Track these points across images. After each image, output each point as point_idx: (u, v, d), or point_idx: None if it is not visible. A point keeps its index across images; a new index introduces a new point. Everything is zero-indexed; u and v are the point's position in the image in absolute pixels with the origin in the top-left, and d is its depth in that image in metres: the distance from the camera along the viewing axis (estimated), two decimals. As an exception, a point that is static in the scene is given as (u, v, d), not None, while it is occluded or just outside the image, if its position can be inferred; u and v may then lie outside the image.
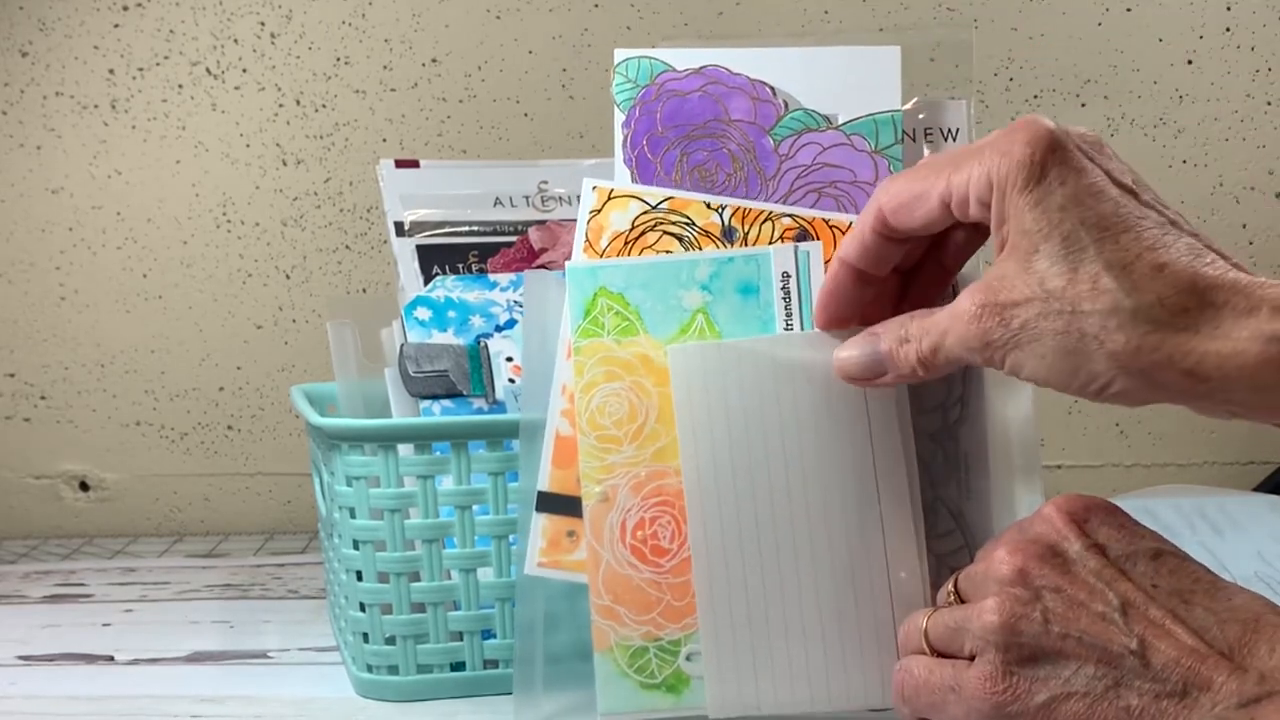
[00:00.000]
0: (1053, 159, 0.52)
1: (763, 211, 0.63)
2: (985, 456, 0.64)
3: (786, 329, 0.62)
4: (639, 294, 0.62)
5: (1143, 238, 0.51)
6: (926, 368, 0.56)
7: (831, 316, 0.60)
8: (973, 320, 0.53)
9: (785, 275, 0.62)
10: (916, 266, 0.61)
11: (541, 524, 0.63)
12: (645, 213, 0.63)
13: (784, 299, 0.62)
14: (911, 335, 0.56)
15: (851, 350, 0.59)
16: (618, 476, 0.62)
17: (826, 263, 0.62)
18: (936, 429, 0.64)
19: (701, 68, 0.65)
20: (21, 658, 0.80)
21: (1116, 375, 0.50)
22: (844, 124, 0.65)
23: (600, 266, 0.62)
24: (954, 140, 0.65)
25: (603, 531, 0.61)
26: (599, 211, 0.63)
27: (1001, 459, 0.64)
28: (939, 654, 0.55)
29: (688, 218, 0.63)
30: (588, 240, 0.63)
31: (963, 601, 0.56)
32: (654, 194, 0.63)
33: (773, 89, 0.64)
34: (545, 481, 0.63)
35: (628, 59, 0.65)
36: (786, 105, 0.64)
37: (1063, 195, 0.51)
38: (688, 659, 0.61)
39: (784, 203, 0.65)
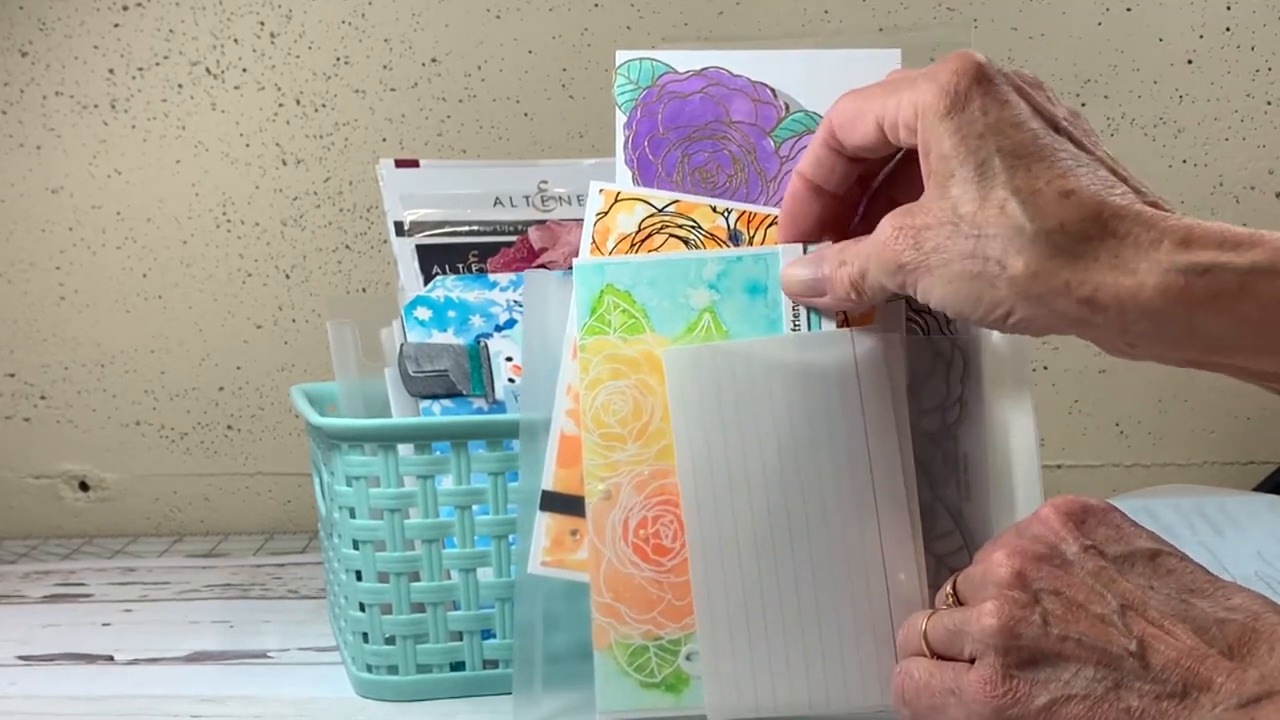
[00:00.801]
0: (977, 89, 0.53)
1: (769, 216, 0.63)
2: (984, 457, 0.64)
3: (794, 329, 0.62)
4: (646, 292, 0.62)
5: (1055, 166, 0.51)
6: (858, 292, 0.57)
7: (789, 232, 0.61)
8: (889, 242, 0.54)
9: None
10: (876, 196, 0.62)
11: (545, 523, 0.63)
12: (651, 216, 0.63)
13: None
14: (847, 259, 0.57)
15: (797, 268, 0.60)
16: (621, 474, 0.62)
17: None
18: (935, 429, 0.64)
19: (702, 69, 0.65)
20: (21, 658, 0.80)
21: (1016, 302, 0.51)
22: None
23: (607, 264, 0.62)
24: None
25: (605, 529, 0.61)
26: (605, 214, 0.63)
27: (1001, 459, 0.64)
28: (938, 656, 0.55)
29: (694, 221, 0.63)
30: (594, 242, 0.63)
31: (961, 603, 0.56)
32: (660, 197, 0.63)
33: (774, 91, 0.65)
34: (550, 480, 0.63)
35: (629, 60, 0.65)
36: (787, 107, 0.64)
37: (983, 124, 0.52)
38: (688, 658, 0.61)
39: (785, 204, 0.65)
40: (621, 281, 0.62)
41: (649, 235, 0.63)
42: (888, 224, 0.54)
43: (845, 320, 0.62)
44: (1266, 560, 0.87)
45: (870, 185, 0.62)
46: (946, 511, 0.64)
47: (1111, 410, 1.11)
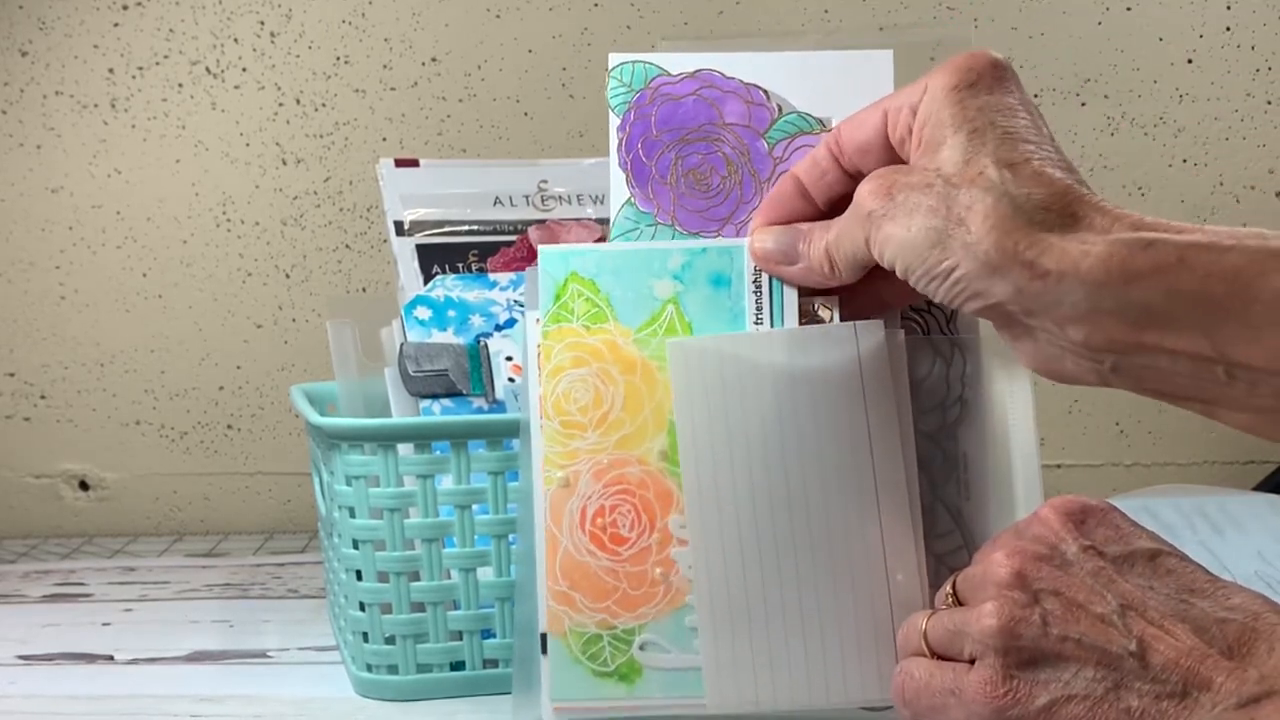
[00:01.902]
0: (989, 74, 0.55)
1: None
2: (984, 456, 0.64)
3: (756, 323, 0.62)
4: (610, 281, 0.62)
5: (1038, 154, 0.53)
6: (831, 261, 0.58)
7: (765, 218, 0.62)
8: (865, 197, 0.55)
9: (758, 269, 0.62)
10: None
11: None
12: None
13: (755, 292, 0.62)
14: (828, 226, 0.59)
15: (769, 234, 0.61)
16: (580, 462, 0.62)
17: None
18: (935, 428, 0.64)
19: (695, 71, 0.65)
20: (21, 657, 0.80)
21: (964, 257, 0.52)
22: None
23: (573, 252, 0.63)
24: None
25: (562, 517, 0.61)
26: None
27: (1001, 459, 0.64)
28: (938, 656, 0.55)
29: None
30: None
31: (961, 604, 0.56)
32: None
33: (767, 92, 0.65)
34: (545, 623, 0.62)
35: (621, 63, 0.65)
36: (780, 109, 0.65)
37: (985, 100, 0.54)
38: (641, 648, 0.61)
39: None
40: (586, 270, 0.62)
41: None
42: (865, 182, 0.56)
43: (808, 313, 0.62)
44: (1267, 560, 0.87)
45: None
46: (946, 511, 0.64)
47: (1111, 410, 1.11)
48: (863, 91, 0.64)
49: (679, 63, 0.65)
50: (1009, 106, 0.54)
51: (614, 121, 0.65)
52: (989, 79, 0.55)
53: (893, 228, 0.54)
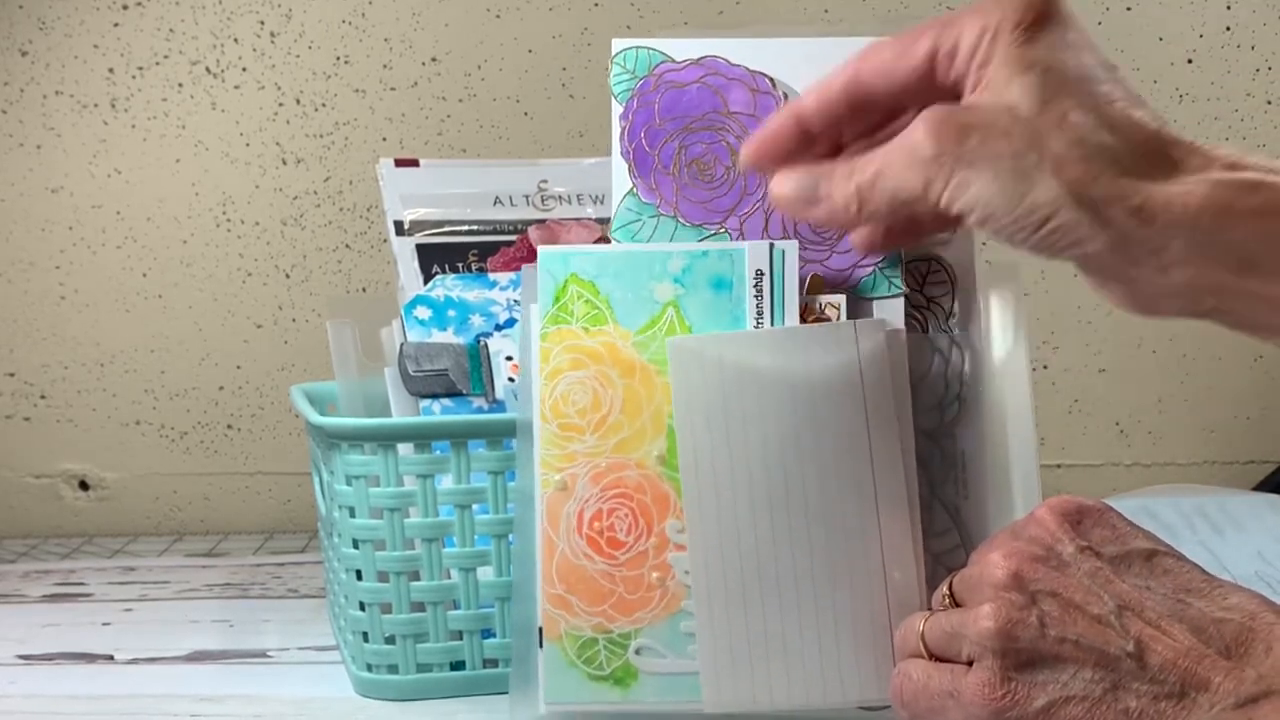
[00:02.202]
0: (1053, 14, 0.52)
1: None
2: (983, 455, 0.64)
3: (757, 324, 0.62)
4: (610, 283, 0.62)
5: (1115, 94, 0.52)
6: (862, 201, 0.54)
7: (757, 157, 0.59)
8: (923, 137, 0.52)
9: (759, 273, 0.62)
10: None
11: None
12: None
13: (756, 296, 0.62)
14: (857, 167, 0.55)
15: (791, 176, 0.57)
16: (578, 465, 0.61)
17: (801, 268, 0.62)
18: (934, 427, 0.64)
19: (700, 58, 0.64)
20: (21, 657, 0.80)
21: (1063, 205, 0.50)
22: None
23: (573, 253, 0.62)
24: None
25: (559, 520, 0.61)
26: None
27: (999, 458, 0.64)
28: (936, 658, 0.55)
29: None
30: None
31: (958, 604, 0.56)
32: None
33: (772, 80, 0.64)
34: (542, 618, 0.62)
35: (625, 49, 0.64)
36: (786, 97, 0.64)
37: (1054, 39, 0.52)
38: (637, 652, 0.61)
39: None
40: (586, 271, 0.62)
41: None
42: (922, 121, 0.52)
43: (808, 312, 0.61)
44: (1267, 560, 0.87)
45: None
46: (944, 509, 0.64)
47: (1111, 410, 1.11)
48: None
49: (683, 49, 0.64)
50: (1076, 44, 0.52)
51: (616, 109, 0.64)
52: (1054, 19, 0.52)
53: (971, 174, 0.51)
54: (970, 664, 0.53)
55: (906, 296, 0.63)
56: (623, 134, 0.64)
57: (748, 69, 0.64)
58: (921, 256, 0.65)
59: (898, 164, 0.53)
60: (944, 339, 0.64)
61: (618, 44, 0.64)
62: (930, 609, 0.58)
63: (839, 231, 0.63)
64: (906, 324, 0.63)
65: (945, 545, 0.64)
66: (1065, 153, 0.50)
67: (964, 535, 0.63)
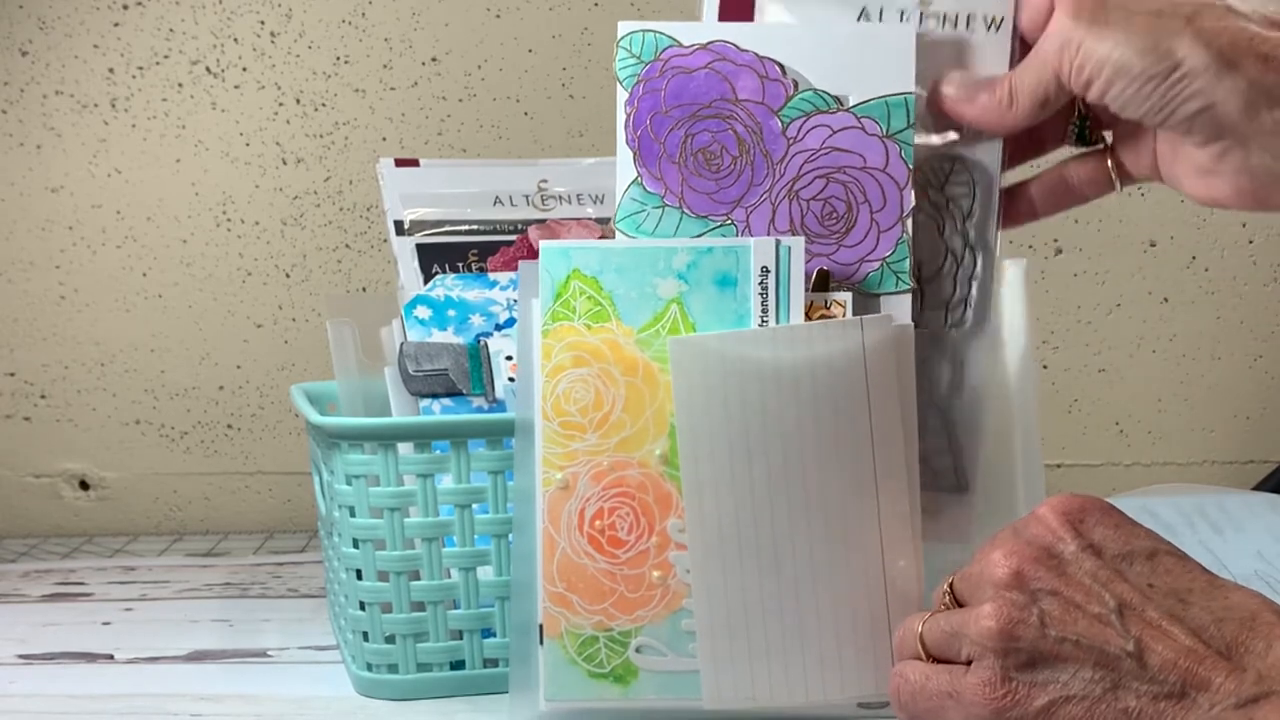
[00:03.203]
0: None
1: None
2: (986, 452, 0.64)
3: (762, 323, 0.61)
4: (613, 279, 0.61)
5: None
6: (1012, 94, 0.60)
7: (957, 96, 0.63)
8: (1063, 13, 0.57)
9: (764, 270, 0.61)
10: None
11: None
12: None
13: (761, 294, 0.61)
14: (1014, 70, 0.61)
15: (960, 76, 0.62)
16: (579, 464, 0.61)
17: (808, 261, 0.61)
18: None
19: (708, 43, 0.62)
20: (21, 656, 0.80)
21: (1191, 51, 0.54)
22: (855, 106, 0.63)
23: (575, 248, 0.61)
24: (996, 30, 0.63)
25: (560, 519, 0.61)
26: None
27: (1003, 455, 0.64)
28: (935, 659, 0.55)
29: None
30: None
31: (958, 603, 0.56)
32: None
33: (782, 67, 0.62)
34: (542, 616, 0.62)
35: (631, 33, 0.62)
36: (796, 85, 0.62)
37: None
38: (637, 650, 0.61)
39: (791, 188, 0.63)
40: (589, 267, 0.61)
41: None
42: (1060, 5, 0.57)
43: (814, 310, 0.61)
44: (1266, 559, 0.87)
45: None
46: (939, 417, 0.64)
47: (1111, 410, 1.11)
48: (882, 68, 0.62)
49: (691, 33, 0.62)
50: None
51: (621, 95, 0.62)
52: None
53: (1106, 31, 0.56)
54: (969, 664, 0.53)
55: (927, 197, 0.63)
56: (628, 121, 0.62)
57: (757, 54, 0.62)
58: (945, 156, 0.64)
59: (1046, 47, 0.58)
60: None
61: (624, 26, 0.62)
62: (931, 609, 0.58)
63: (845, 228, 0.63)
64: (923, 224, 0.63)
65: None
66: (1196, 10, 0.54)
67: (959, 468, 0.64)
